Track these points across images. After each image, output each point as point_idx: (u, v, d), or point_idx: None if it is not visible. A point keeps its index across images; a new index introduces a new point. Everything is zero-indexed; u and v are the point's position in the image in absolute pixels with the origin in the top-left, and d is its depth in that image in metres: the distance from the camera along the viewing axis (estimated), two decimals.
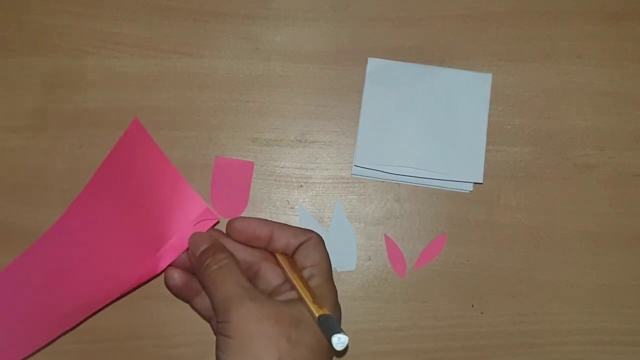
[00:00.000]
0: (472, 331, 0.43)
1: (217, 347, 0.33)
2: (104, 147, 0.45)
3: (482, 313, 0.44)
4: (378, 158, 0.44)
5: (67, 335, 0.43)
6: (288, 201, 0.45)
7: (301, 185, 0.45)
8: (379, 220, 0.45)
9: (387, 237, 0.44)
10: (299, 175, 0.45)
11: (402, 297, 0.44)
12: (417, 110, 0.44)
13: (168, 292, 0.43)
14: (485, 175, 0.44)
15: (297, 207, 0.45)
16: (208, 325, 0.43)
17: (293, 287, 0.35)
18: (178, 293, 0.40)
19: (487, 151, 0.45)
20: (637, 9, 0.47)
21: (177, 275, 0.38)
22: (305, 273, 0.36)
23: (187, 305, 0.43)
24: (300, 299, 0.35)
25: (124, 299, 0.44)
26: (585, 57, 0.46)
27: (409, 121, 0.44)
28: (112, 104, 0.46)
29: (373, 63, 0.45)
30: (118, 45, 0.46)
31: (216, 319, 0.34)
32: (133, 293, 0.43)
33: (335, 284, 0.44)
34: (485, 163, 0.45)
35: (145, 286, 0.43)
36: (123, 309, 0.44)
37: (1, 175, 0.45)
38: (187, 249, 0.39)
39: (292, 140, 0.46)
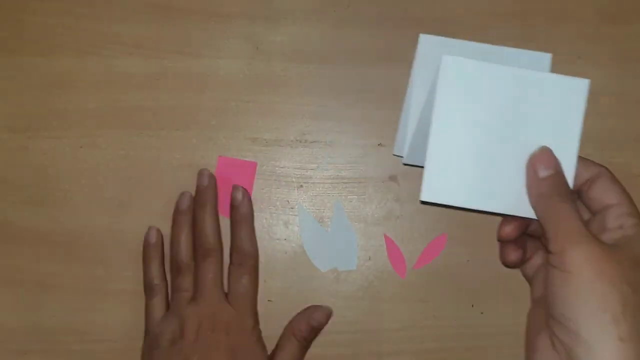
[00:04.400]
0: (472, 331, 0.43)
1: (550, 281, 0.32)
2: (104, 147, 0.45)
3: (482, 313, 0.44)
4: (453, 190, 0.36)
5: (66, 335, 0.43)
6: (288, 201, 0.45)
7: (301, 185, 0.45)
8: (379, 220, 0.45)
9: (387, 237, 0.44)
10: (299, 175, 0.45)
11: (402, 297, 0.44)
12: (501, 127, 0.36)
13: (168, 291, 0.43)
14: None
15: (297, 207, 0.45)
16: None
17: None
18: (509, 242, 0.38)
19: None
20: (637, 9, 0.47)
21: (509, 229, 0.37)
22: (612, 215, 0.34)
23: None
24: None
25: (124, 298, 0.44)
26: (585, 57, 0.46)
27: (492, 143, 0.36)
28: (112, 104, 0.46)
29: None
30: (118, 45, 0.46)
31: (551, 250, 0.33)
32: (133, 293, 0.43)
33: (336, 284, 0.44)
34: None
35: None
36: (123, 309, 0.44)
37: (1, 175, 0.45)
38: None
39: (292, 140, 0.46)
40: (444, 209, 0.44)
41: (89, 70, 0.46)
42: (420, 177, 0.45)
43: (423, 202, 0.36)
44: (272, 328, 0.43)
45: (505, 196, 0.35)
